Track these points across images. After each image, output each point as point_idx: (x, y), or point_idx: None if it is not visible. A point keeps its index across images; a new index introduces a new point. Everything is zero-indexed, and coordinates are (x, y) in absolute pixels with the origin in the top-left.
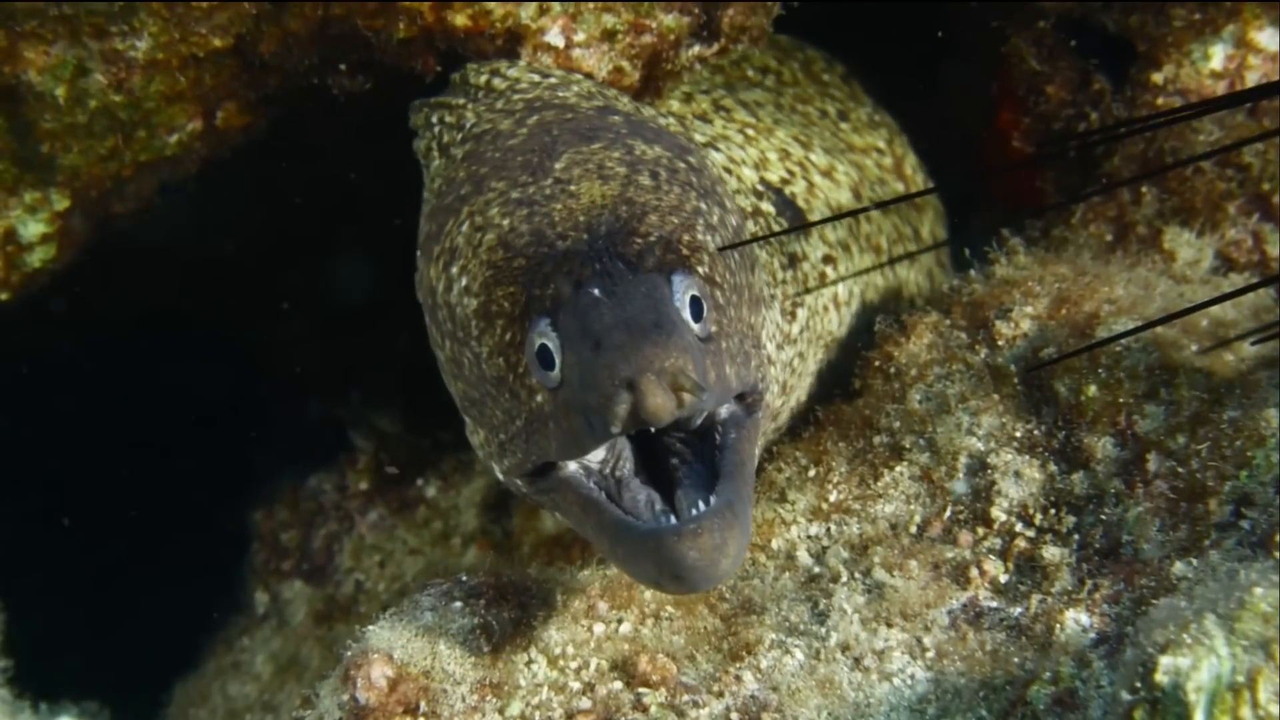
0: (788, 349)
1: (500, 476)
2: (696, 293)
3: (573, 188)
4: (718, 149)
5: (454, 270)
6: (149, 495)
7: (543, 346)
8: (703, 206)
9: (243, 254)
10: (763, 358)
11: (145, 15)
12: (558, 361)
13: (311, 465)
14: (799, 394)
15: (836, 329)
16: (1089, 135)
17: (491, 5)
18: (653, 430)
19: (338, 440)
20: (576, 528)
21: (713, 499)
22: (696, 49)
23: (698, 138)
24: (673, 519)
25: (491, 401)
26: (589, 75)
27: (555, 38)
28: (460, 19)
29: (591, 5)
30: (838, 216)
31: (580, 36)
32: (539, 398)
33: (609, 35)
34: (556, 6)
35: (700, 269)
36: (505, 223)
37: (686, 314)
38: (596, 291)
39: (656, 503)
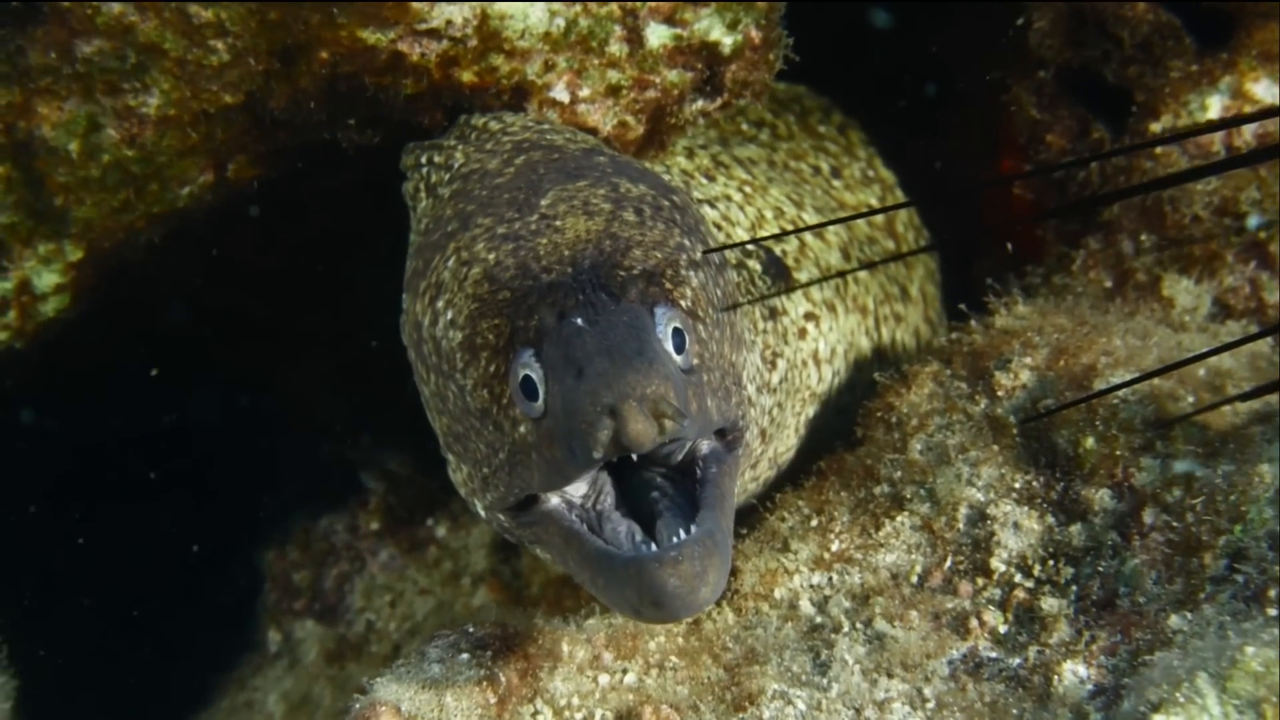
0: (767, 396)
1: (482, 513)
2: (679, 325)
3: (558, 223)
4: (715, 206)
5: (440, 304)
6: (162, 536)
7: (526, 378)
8: (686, 243)
9: (255, 300)
10: (744, 396)
11: (157, 73)
12: (541, 392)
13: (323, 506)
14: (778, 445)
15: (816, 385)
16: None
17: (498, 61)
18: (634, 458)
19: (349, 482)
20: (558, 560)
21: (694, 528)
22: (700, 103)
23: (699, 195)
24: (653, 548)
25: (475, 435)
26: (594, 130)
27: (561, 93)
28: (467, 75)
29: (596, 61)
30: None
31: (585, 92)
32: (522, 428)
33: (613, 91)
34: (562, 62)
35: (683, 302)
36: (491, 257)
37: (669, 345)
38: (580, 321)
39: (637, 534)
